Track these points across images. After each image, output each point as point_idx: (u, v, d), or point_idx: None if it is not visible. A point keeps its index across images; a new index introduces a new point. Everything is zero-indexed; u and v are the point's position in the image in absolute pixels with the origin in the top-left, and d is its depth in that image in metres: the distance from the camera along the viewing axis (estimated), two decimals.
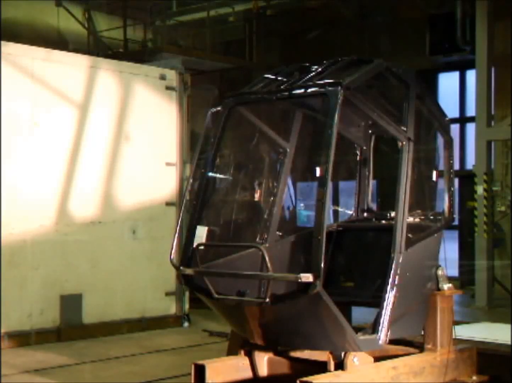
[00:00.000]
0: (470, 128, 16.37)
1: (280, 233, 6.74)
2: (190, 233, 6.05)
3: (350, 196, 7.58)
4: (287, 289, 5.56)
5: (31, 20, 16.91)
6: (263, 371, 6.22)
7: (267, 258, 5.37)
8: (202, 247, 5.97)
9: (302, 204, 14.59)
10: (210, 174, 6.23)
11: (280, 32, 18.94)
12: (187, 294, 11.17)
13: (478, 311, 12.83)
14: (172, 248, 6.04)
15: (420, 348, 6.33)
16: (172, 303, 11.23)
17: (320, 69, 6.01)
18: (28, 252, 9.67)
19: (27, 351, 9.24)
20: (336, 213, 9.07)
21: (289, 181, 6.83)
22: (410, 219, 6.13)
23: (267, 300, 5.36)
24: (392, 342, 6.00)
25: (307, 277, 5.07)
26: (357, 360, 5.56)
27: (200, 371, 5.95)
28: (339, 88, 5.41)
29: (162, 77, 11.22)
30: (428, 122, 6.60)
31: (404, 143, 5.98)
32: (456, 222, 7.68)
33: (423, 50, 16.89)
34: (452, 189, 6.63)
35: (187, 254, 5.97)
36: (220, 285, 5.79)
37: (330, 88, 5.50)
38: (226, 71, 18.23)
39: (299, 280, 5.11)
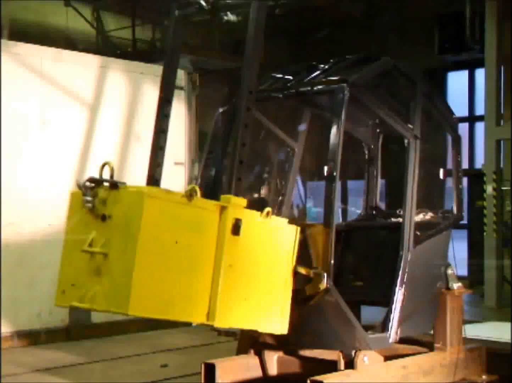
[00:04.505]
0: (479, 127, 16.32)
1: None
2: None
3: (359, 195, 7.57)
4: (296, 286, 5.54)
5: (39, 20, 16.92)
6: (273, 370, 6.22)
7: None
8: None
9: (311, 201, 14.56)
10: (219, 173, 6.22)
11: (288, 31, 18.91)
12: None
13: (487, 311, 12.79)
14: None
15: (430, 347, 6.33)
16: None
17: (327, 67, 6.02)
18: (37, 252, 9.67)
19: (37, 350, 9.25)
20: (344, 212, 9.06)
21: (298, 179, 6.82)
22: (419, 217, 6.12)
23: None
24: (402, 341, 5.99)
25: (317, 273, 5.06)
26: (367, 359, 5.56)
27: (210, 370, 5.95)
28: (345, 85, 5.42)
29: None
30: (435, 120, 6.59)
31: (410, 141, 5.97)
32: (465, 221, 7.67)
33: (432, 49, 16.82)
34: (460, 187, 6.62)
35: None
36: None
37: (336, 85, 5.51)
38: (234, 70, 18.19)
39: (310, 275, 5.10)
